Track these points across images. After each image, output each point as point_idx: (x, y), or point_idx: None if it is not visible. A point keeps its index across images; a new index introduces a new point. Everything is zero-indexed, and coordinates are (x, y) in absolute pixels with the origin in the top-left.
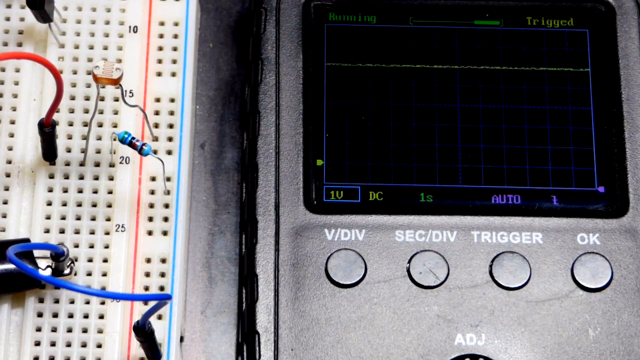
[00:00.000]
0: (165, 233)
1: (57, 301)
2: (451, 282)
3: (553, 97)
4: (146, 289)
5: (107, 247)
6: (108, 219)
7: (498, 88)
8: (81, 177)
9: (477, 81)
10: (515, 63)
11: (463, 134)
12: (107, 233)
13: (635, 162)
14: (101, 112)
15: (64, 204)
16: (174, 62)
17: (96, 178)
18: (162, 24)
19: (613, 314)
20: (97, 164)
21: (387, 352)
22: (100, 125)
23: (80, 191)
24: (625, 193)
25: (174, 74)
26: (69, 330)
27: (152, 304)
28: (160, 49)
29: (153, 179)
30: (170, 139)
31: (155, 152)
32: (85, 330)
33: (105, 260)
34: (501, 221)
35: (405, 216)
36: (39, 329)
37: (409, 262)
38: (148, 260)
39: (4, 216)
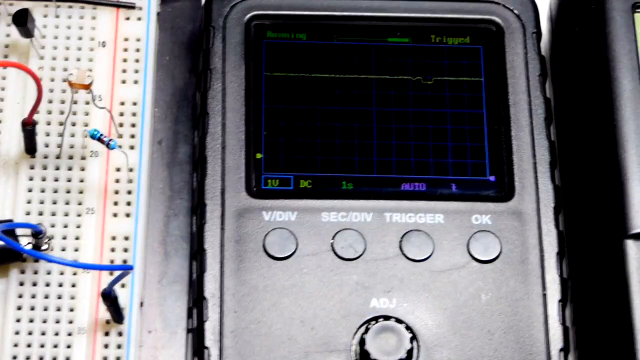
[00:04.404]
0: (128, 215)
1: (36, 272)
2: (368, 255)
3: (453, 102)
4: (112, 261)
5: (78, 226)
6: (80, 203)
7: (407, 95)
8: (57, 168)
9: (389, 89)
10: (422, 73)
11: (378, 133)
12: (79, 215)
13: (520, 155)
14: (74, 113)
15: (43, 191)
16: (136, 71)
17: (70, 169)
18: (126, 39)
19: (502, 282)
20: (71, 157)
21: (314, 313)
22: (74, 124)
23: (56, 180)
24: (511, 181)
25: (136, 82)
26: (46, 297)
27: (116, 274)
28: (125, 60)
29: (118, 169)
30: (132, 136)
31: (120, 147)
32: (60, 297)
33: (77, 238)
34: (409, 205)
35: (330, 200)
36: (20, 296)
37: (333, 238)
38: (113, 238)
39: None
